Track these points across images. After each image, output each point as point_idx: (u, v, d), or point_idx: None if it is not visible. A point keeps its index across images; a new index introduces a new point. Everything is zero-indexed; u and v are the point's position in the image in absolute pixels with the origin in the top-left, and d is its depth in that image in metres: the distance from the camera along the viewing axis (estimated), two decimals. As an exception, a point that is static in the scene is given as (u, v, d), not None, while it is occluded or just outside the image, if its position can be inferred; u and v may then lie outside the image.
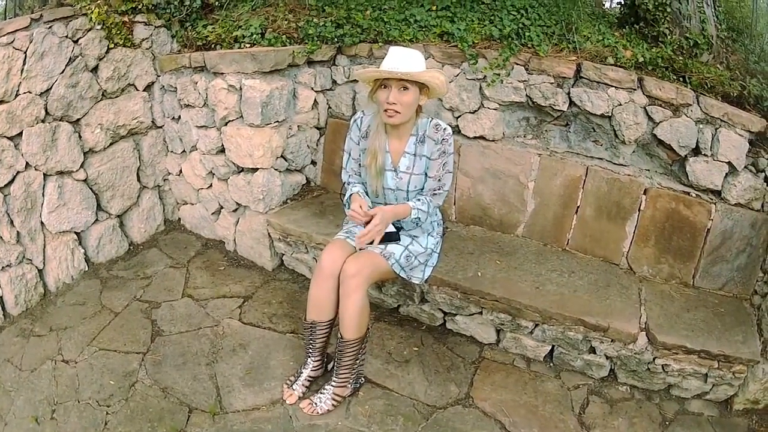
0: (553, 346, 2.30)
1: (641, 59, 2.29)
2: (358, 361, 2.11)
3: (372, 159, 2.18)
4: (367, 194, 2.22)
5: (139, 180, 3.00)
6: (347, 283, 2.02)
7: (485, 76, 2.52)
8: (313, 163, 3.07)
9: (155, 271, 2.83)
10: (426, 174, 2.20)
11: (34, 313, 2.51)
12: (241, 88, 2.55)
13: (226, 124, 2.69)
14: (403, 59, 2.02)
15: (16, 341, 2.34)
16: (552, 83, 2.40)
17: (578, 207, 2.52)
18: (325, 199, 2.96)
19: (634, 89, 2.28)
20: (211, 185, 2.95)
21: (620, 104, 2.31)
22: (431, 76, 2.06)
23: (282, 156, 2.79)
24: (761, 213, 2.27)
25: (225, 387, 2.10)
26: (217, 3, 2.85)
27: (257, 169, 2.69)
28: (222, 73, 2.57)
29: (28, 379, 2.12)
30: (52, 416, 1.96)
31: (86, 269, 2.78)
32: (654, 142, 2.36)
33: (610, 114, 2.35)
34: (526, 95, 2.49)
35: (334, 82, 2.92)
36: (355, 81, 2.85)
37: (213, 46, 2.67)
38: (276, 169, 2.76)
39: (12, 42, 2.29)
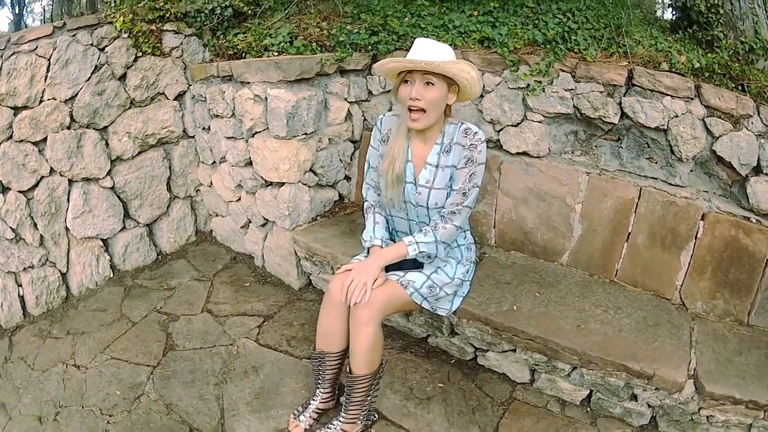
0: (591, 391, 2.27)
1: (697, 65, 2.28)
2: (369, 398, 2.12)
3: (389, 165, 2.13)
4: (384, 208, 2.25)
5: (169, 190, 3.31)
6: (358, 315, 2.01)
7: (528, 85, 2.57)
8: (347, 178, 3.25)
9: (179, 282, 3.09)
10: (450, 187, 2.14)
11: (54, 315, 2.85)
12: (266, 98, 2.76)
13: (253, 136, 2.92)
14: (429, 50, 1.98)
15: (33, 341, 2.67)
16: (601, 92, 2.45)
17: (629, 233, 2.52)
18: (358, 217, 3.10)
19: (691, 98, 2.29)
20: (239, 198, 3.20)
21: (677, 116, 2.32)
22: (460, 68, 1.98)
23: (311, 170, 2.98)
24: None
25: (230, 410, 2.26)
26: (250, 11, 3.11)
27: (284, 183, 2.88)
28: (248, 83, 2.80)
29: (38, 379, 2.42)
30: (55, 418, 2.22)
31: (111, 276, 3.10)
32: (713, 159, 2.36)
33: (665, 127, 2.36)
34: (574, 106, 2.53)
35: (370, 92, 3.09)
36: (389, 92, 2.96)
37: (243, 54, 2.94)
38: (304, 184, 2.95)
39: (35, 49, 2.64)
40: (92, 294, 2.97)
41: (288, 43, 2.86)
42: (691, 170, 2.43)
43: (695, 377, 2.06)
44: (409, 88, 1.99)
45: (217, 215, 3.46)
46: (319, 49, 2.87)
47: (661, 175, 2.48)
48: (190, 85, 3.20)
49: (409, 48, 2.78)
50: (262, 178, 2.95)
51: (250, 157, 2.97)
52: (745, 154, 2.24)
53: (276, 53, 2.83)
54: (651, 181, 2.50)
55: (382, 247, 2.17)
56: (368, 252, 2.16)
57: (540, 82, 2.52)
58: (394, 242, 2.16)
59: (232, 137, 3.00)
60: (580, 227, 2.61)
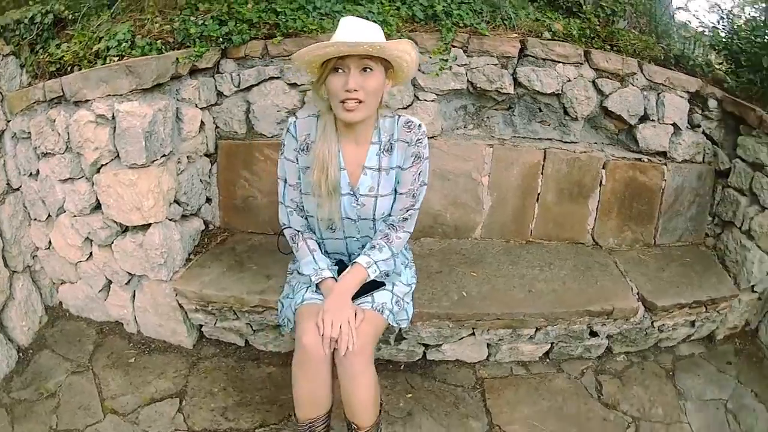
0: (552, 344, 2.57)
1: (574, 32, 2.61)
2: None
3: (321, 174, 1.85)
4: (313, 231, 2.01)
5: (6, 265, 2.48)
6: (352, 363, 1.78)
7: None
8: (208, 200, 2.86)
9: (58, 383, 2.41)
10: (396, 191, 1.97)
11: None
12: (114, 117, 2.25)
13: (98, 171, 2.36)
14: (361, 30, 1.76)
15: None
16: (496, 64, 2.65)
17: (539, 194, 2.85)
18: (235, 244, 2.79)
19: (581, 63, 2.69)
20: (90, 255, 2.58)
21: (569, 80, 2.70)
22: (403, 49, 1.78)
23: (176, 200, 2.55)
24: (704, 165, 2.94)
25: None
26: (71, 16, 2.47)
27: (149, 224, 2.40)
28: (86, 101, 2.26)
29: None
30: None
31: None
32: (602, 114, 2.80)
33: (560, 91, 2.70)
34: (468, 81, 2.69)
35: (220, 94, 2.74)
36: (248, 90, 2.72)
37: (70, 68, 2.33)
38: (171, 220, 2.53)
39: None
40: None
41: (129, 45, 2.35)
42: (582, 127, 2.81)
43: (642, 299, 2.53)
44: (343, 78, 1.73)
45: (64, 282, 2.74)
46: (164, 47, 2.43)
47: (555, 135, 2.83)
48: (9, 121, 2.41)
49: (267, 36, 2.66)
50: (118, 223, 2.42)
51: (97, 200, 2.40)
52: (633, 107, 2.73)
53: (116, 58, 2.31)
54: (548, 143, 2.80)
55: (335, 278, 1.90)
56: (317, 288, 1.90)
57: (446, 60, 2.56)
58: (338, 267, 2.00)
59: (70, 178, 2.39)
60: (490, 199, 2.83)
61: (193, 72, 2.58)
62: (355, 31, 1.75)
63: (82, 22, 2.53)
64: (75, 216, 2.48)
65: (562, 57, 2.61)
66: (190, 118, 2.57)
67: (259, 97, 2.68)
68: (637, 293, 2.54)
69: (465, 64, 2.63)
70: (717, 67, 2.96)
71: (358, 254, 2.00)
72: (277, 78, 2.66)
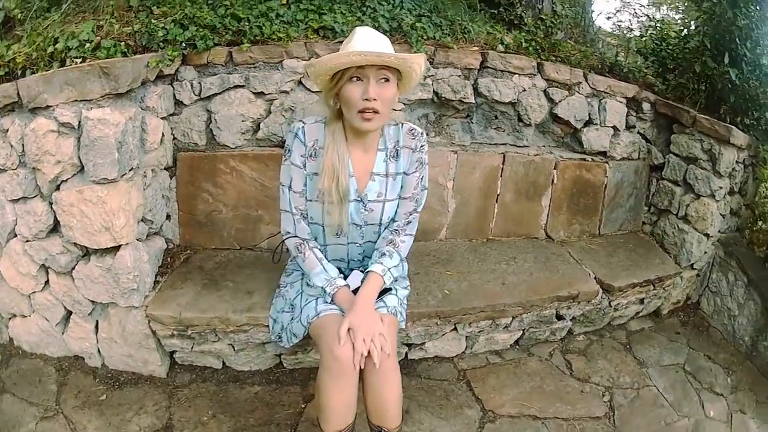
0: (523, 331, 2.75)
1: (524, 44, 2.82)
2: None
3: (331, 180, 1.86)
4: (315, 239, 1.99)
5: None
6: (385, 368, 1.77)
7: None
8: (168, 217, 2.60)
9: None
10: (399, 196, 2.00)
11: None
12: (80, 126, 1.96)
13: (58, 188, 2.04)
14: (379, 41, 1.79)
15: None
16: (459, 76, 2.76)
17: (498, 195, 3.01)
18: (201, 262, 2.58)
19: (534, 74, 2.91)
20: (47, 284, 2.22)
21: (525, 90, 2.89)
22: (418, 62, 1.83)
23: (143, 218, 2.29)
24: (640, 161, 3.32)
25: None
26: (21, 16, 2.12)
27: (119, 246, 2.12)
28: (48, 107, 1.94)
29: None
30: None
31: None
32: (551, 120, 3.04)
33: (516, 100, 2.88)
34: (434, 91, 2.75)
35: (179, 103, 2.52)
36: (209, 99, 2.53)
37: (22, 72, 1.99)
38: (139, 240, 2.26)
39: None
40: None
41: (92, 46, 2.07)
42: (533, 132, 3.02)
43: (600, 283, 2.80)
44: (361, 87, 1.75)
45: (15, 316, 2.32)
46: (127, 50, 2.18)
47: (509, 140, 3.00)
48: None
49: (231, 42, 2.54)
50: (80, 247, 2.12)
51: (55, 222, 2.08)
52: (579, 113, 3.02)
53: (79, 60, 2.02)
54: (503, 148, 2.97)
55: (348, 286, 1.89)
56: (332, 299, 1.86)
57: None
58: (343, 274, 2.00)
59: (23, 198, 2.04)
60: (454, 202, 2.94)
61: (156, 79, 2.34)
62: (374, 41, 1.78)
63: (32, 23, 2.19)
64: (28, 241, 2.14)
65: (518, 69, 2.81)
66: (154, 128, 2.33)
67: (223, 106, 2.52)
68: (595, 277, 2.82)
69: (431, 75, 2.69)
70: (646, 72, 3.32)
71: (358, 260, 2.04)
72: (242, 87, 2.52)
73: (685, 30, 3.59)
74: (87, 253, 2.18)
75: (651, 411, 2.54)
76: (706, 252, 3.18)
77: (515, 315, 2.58)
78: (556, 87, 2.93)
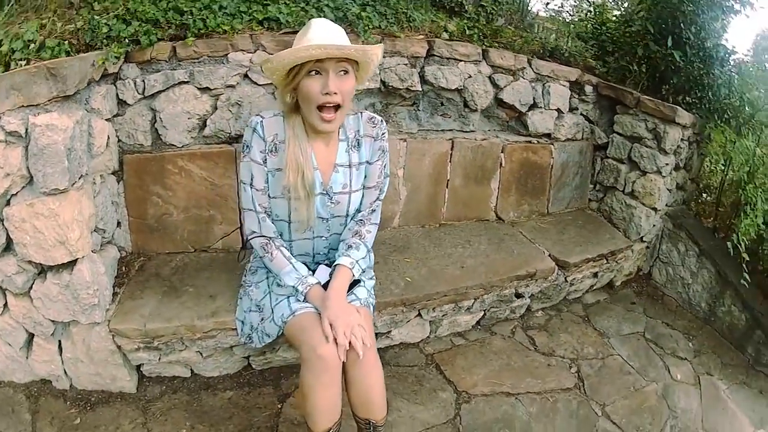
0: (485, 311, 2.85)
1: (467, 32, 2.82)
2: None
3: (296, 175, 1.83)
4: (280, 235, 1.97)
5: None
6: (367, 360, 1.76)
7: None
8: (118, 224, 2.44)
9: None
10: (363, 185, 2.00)
11: None
12: (28, 134, 1.78)
13: (8, 203, 1.86)
14: (335, 33, 1.77)
15: None
16: (407, 64, 2.75)
17: (448, 180, 3.07)
18: (157, 268, 2.46)
19: (480, 61, 2.95)
20: (5, 307, 2.03)
21: (470, 76, 2.93)
22: (377, 53, 1.82)
23: (96, 228, 2.14)
24: (583, 141, 3.46)
25: None
26: None
27: (75, 261, 1.97)
28: None
29: None
30: None
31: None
32: (496, 105, 3.11)
33: (462, 87, 2.92)
34: (381, 80, 2.74)
35: (122, 102, 2.36)
36: (153, 97, 2.39)
37: None
38: (94, 251, 2.11)
39: None
40: None
41: (36, 46, 1.88)
42: (479, 117, 3.09)
43: (555, 260, 2.92)
44: (320, 81, 1.73)
45: None
46: (71, 49, 2.00)
47: (456, 126, 3.06)
48: None
49: (174, 37, 2.42)
50: (35, 264, 1.94)
51: (7, 239, 1.88)
52: (524, 97, 3.11)
53: (23, 62, 1.82)
54: (450, 134, 3.01)
55: (320, 283, 1.88)
56: (304, 298, 1.85)
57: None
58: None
59: None
60: (405, 189, 2.96)
61: (100, 78, 2.15)
62: (331, 32, 1.74)
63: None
64: (-21, 263, 1.98)
65: (463, 56, 2.85)
66: (99, 131, 2.16)
67: (167, 104, 2.39)
68: (550, 255, 2.94)
69: (379, 64, 2.65)
70: (587, 56, 3.44)
71: (323, 253, 2.04)
72: (186, 83, 2.39)
73: (626, 14, 3.71)
74: (42, 270, 2.00)
75: (619, 378, 2.70)
76: (654, 225, 3.40)
77: (477, 297, 2.66)
78: (501, 73, 3.00)
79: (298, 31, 1.92)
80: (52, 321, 2.09)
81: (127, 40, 2.22)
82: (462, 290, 2.58)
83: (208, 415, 2.18)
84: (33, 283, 2.01)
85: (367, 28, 2.61)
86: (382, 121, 1.99)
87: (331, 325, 1.72)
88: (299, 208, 1.87)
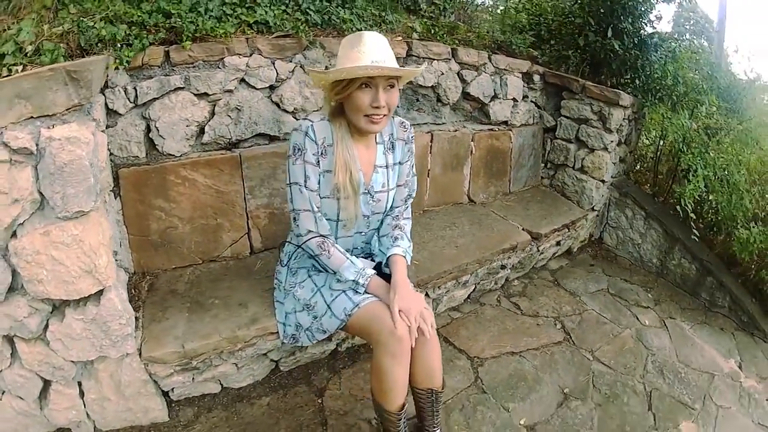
0: (476, 285, 2.95)
1: (432, 31, 2.88)
2: None
3: (345, 175, 1.88)
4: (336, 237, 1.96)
5: None
6: (431, 338, 1.86)
7: (327, 67, 2.48)
8: (121, 243, 2.13)
9: None
10: (397, 184, 2.04)
11: None
12: (40, 150, 1.49)
13: (14, 235, 1.53)
14: (382, 49, 1.81)
15: None
16: None
17: (429, 170, 3.09)
18: (170, 284, 2.23)
19: (449, 59, 2.99)
20: (12, 356, 1.69)
21: (443, 73, 2.96)
22: (420, 72, 1.96)
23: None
24: (535, 125, 3.65)
25: None
26: None
27: (102, 290, 1.69)
28: None
29: None
30: None
31: None
32: (462, 98, 3.17)
33: (436, 83, 2.95)
34: None
35: (113, 112, 2.06)
36: (147, 105, 2.14)
37: None
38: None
39: None
40: None
41: (35, 49, 1.60)
42: (449, 110, 3.15)
43: (529, 232, 3.08)
44: (369, 94, 1.79)
45: None
46: (66, 54, 1.71)
47: (429, 119, 3.10)
48: None
49: (166, 41, 2.27)
50: (53, 301, 1.64)
51: (14, 276, 1.57)
52: (486, 90, 3.21)
53: (18, 68, 1.52)
54: (426, 127, 3.08)
55: (377, 274, 1.91)
56: (365, 291, 1.88)
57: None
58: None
59: None
60: (393, 182, 2.92)
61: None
62: (382, 50, 1.80)
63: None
64: (-18, 307, 1.54)
65: (436, 55, 2.91)
66: (102, 144, 1.85)
67: (164, 111, 2.14)
68: (524, 229, 3.08)
69: None
70: (529, 47, 3.60)
71: (361, 248, 2.06)
72: (182, 89, 2.16)
73: (565, 6, 3.91)
74: (55, 307, 1.68)
75: (598, 328, 2.92)
76: (603, 195, 3.67)
77: (473, 271, 2.72)
78: (467, 69, 3.09)
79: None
80: (73, 362, 1.76)
81: (119, 45, 1.94)
82: (463, 266, 2.64)
83: (252, 426, 2.01)
84: (51, 323, 1.68)
85: (351, 31, 2.52)
86: (410, 125, 2.07)
87: (402, 311, 1.79)
88: (347, 207, 1.87)
